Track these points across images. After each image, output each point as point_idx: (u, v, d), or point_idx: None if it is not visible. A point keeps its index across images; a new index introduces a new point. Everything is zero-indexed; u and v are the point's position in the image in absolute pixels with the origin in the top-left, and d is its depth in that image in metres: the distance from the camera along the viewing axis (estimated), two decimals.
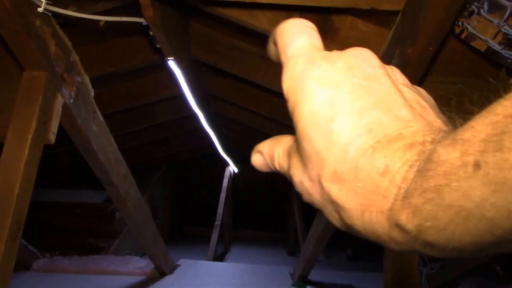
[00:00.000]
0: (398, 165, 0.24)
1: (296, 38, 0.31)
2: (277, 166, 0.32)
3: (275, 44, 0.32)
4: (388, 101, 0.26)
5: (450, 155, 0.22)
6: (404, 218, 0.23)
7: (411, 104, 0.27)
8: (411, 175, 0.23)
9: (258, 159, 0.34)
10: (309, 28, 0.32)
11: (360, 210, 0.25)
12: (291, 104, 0.28)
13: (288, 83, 0.29)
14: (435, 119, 0.26)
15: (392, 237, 0.25)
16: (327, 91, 0.27)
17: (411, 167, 0.24)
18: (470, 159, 0.21)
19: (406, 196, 0.23)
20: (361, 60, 0.28)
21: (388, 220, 0.24)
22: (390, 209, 0.24)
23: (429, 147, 0.24)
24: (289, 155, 0.31)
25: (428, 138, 0.24)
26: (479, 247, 0.22)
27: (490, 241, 0.21)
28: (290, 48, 0.30)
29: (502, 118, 0.20)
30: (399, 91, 0.27)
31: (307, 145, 0.27)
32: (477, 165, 0.20)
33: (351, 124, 0.25)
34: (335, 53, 0.29)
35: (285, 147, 0.31)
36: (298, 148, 0.29)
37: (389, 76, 0.28)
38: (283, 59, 0.31)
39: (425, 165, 0.23)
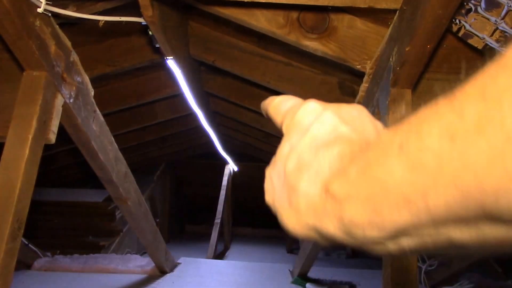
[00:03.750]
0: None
1: (288, 100, 0.38)
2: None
3: (267, 113, 0.40)
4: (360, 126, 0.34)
5: (385, 136, 0.25)
6: (336, 184, 0.27)
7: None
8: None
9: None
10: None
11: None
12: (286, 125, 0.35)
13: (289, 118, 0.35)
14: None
15: (325, 208, 0.28)
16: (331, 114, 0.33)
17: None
18: (397, 140, 0.24)
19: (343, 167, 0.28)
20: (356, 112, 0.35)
21: (323, 186, 0.28)
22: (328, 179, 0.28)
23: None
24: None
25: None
26: (398, 227, 0.24)
27: (407, 221, 0.23)
28: (285, 107, 0.37)
29: (425, 108, 0.23)
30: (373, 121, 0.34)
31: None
32: (401, 146, 0.23)
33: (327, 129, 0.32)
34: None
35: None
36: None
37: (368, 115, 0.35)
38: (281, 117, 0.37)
39: (367, 145, 0.27)
